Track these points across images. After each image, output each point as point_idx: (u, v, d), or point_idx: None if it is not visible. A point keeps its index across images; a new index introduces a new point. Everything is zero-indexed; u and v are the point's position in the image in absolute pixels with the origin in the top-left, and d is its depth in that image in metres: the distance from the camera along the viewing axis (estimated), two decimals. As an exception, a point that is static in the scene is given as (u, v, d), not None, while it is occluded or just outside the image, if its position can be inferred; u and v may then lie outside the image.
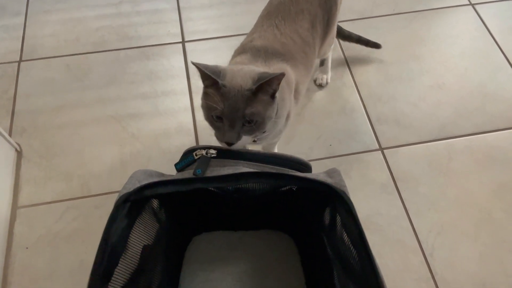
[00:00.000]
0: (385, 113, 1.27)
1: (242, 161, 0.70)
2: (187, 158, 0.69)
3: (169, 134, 1.20)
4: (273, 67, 0.85)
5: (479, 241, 1.05)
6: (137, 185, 0.55)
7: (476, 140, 1.22)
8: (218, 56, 1.36)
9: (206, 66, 0.70)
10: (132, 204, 0.54)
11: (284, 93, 0.83)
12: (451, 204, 1.10)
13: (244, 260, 0.98)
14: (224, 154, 0.70)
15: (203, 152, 0.69)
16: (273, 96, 0.72)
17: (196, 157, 0.69)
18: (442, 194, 1.12)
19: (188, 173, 0.67)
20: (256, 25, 0.97)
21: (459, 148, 1.20)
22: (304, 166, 0.73)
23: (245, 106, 0.67)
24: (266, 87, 0.69)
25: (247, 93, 0.68)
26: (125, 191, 0.54)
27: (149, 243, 0.70)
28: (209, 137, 1.19)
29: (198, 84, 1.30)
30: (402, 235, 1.05)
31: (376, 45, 1.34)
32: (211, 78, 0.69)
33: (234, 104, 0.67)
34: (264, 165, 0.70)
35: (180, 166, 0.69)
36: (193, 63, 0.69)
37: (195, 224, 0.96)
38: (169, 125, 1.22)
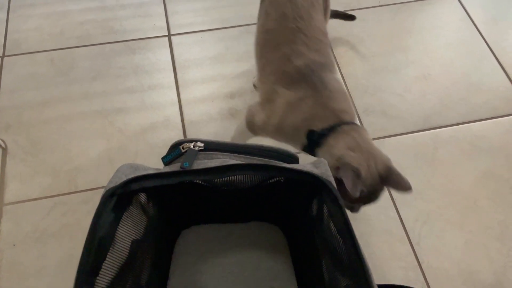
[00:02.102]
0: (372, 104, 1.28)
1: (229, 154, 0.70)
2: (174, 152, 0.69)
3: (156, 128, 1.19)
4: (330, 86, 0.80)
5: (464, 228, 1.08)
6: (124, 179, 0.55)
7: (461, 130, 1.24)
8: (205, 49, 1.36)
9: (354, 173, 0.69)
10: (118, 198, 0.54)
11: None
12: (437, 193, 1.12)
13: (233, 252, 0.98)
14: (212, 147, 0.70)
15: (190, 145, 0.69)
16: None
17: (183, 150, 0.69)
18: (428, 183, 1.14)
19: (175, 167, 0.67)
20: (277, 33, 0.86)
21: (444, 138, 1.22)
22: (292, 158, 0.73)
23: (377, 197, 0.73)
24: None
25: (378, 188, 0.72)
26: (111, 185, 0.53)
27: (138, 237, 0.70)
28: (196, 130, 1.19)
29: (184, 78, 1.29)
30: (390, 224, 1.07)
31: (351, 17, 1.34)
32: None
33: (370, 198, 0.73)
34: (252, 157, 0.70)
35: (167, 159, 0.69)
36: (346, 165, 0.70)
37: (184, 218, 0.96)
38: (156, 119, 1.21)
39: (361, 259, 0.48)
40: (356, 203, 0.77)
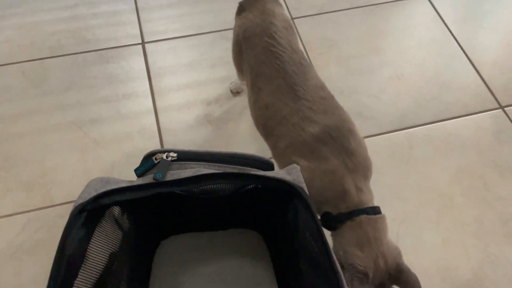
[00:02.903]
0: (348, 106, 1.29)
1: (203, 163, 0.70)
2: (147, 163, 0.68)
3: (133, 138, 1.18)
4: (352, 146, 0.77)
5: (441, 226, 1.09)
6: (93, 194, 0.54)
7: (434, 129, 1.26)
8: (178, 56, 1.35)
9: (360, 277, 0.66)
10: (89, 214, 0.53)
11: None
12: (413, 192, 1.14)
13: (214, 260, 0.98)
14: (185, 156, 0.70)
15: (163, 155, 0.69)
16: None
17: (156, 161, 0.68)
18: (404, 182, 1.16)
19: (148, 178, 0.66)
20: (277, 107, 0.83)
21: (419, 137, 1.24)
22: (266, 164, 0.73)
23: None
24: None
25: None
26: (80, 201, 0.53)
27: (114, 251, 0.69)
28: (173, 138, 1.18)
29: (160, 86, 1.28)
30: (368, 225, 1.08)
31: None
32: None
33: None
34: (226, 165, 0.70)
35: (140, 171, 0.68)
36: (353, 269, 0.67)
37: (162, 228, 0.95)
38: (132, 128, 1.20)
39: (333, 265, 0.48)
40: None
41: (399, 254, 0.72)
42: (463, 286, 1.02)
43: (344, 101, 1.29)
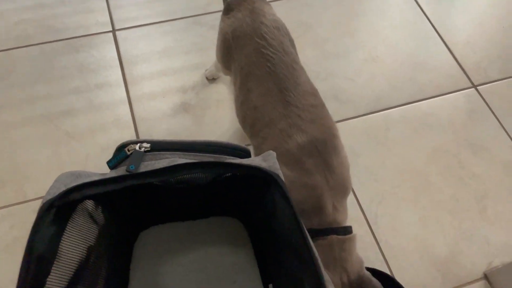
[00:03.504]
0: (324, 90, 1.29)
1: (178, 153, 0.68)
2: (119, 155, 0.67)
3: (107, 129, 1.15)
4: (334, 164, 0.76)
5: (418, 205, 1.11)
6: (62, 189, 0.52)
7: (410, 110, 1.27)
8: (151, 43, 1.32)
9: None
10: (59, 210, 0.51)
11: None
12: (390, 173, 1.15)
13: (195, 250, 0.97)
14: (159, 147, 0.68)
15: (136, 146, 0.67)
16: None
17: (128, 153, 0.66)
18: (381, 164, 1.17)
19: (121, 170, 0.64)
20: (266, 110, 0.81)
21: (395, 118, 1.25)
22: (242, 152, 0.72)
23: None
24: None
25: None
26: (48, 197, 0.51)
27: (89, 246, 0.68)
28: (149, 128, 1.16)
29: (133, 74, 1.25)
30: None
31: None
32: None
33: None
34: (202, 154, 0.69)
35: (113, 163, 0.67)
36: None
37: (140, 219, 0.94)
38: (106, 119, 1.17)
39: (310, 252, 0.48)
40: None
41: (361, 267, 0.75)
42: (439, 262, 1.04)
43: (321, 85, 1.29)
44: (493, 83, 1.36)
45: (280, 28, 0.90)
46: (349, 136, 1.20)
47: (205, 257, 0.97)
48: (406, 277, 1.02)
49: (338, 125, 1.22)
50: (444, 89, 1.33)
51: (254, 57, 0.85)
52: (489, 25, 1.50)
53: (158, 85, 1.24)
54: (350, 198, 1.10)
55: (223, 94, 1.23)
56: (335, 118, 1.23)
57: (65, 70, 1.25)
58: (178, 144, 0.69)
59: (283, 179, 0.56)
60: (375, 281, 0.71)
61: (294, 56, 0.88)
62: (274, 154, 0.62)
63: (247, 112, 0.86)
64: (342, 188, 0.77)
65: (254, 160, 0.61)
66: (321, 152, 0.76)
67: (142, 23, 1.37)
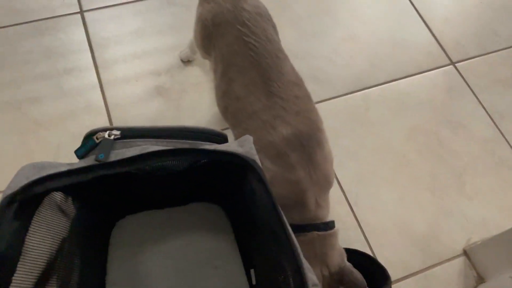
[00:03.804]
0: (303, 70, 1.25)
1: (151, 139, 0.65)
2: (88, 143, 0.63)
3: (78, 116, 1.10)
4: (318, 159, 0.74)
5: (397, 183, 1.12)
6: (24, 182, 0.49)
7: (389, 88, 1.26)
8: (122, 24, 1.26)
9: None
10: (21, 204, 0.48)
11: None
12: (370, 153, 1.15)
13: (174, 237, 0.95)
14: (130, 133, 0.65)
15: (105, 134, 0.63)
16: None
17: (97, 141, 0.63)
18: (361, 144, 1.16)
19: (90, 160, 0.61)
20: (249, 101, 0.79)
21: (374, 97, 1.24)
22: (219, 137, 0.70)
23: None
24: None
25: None
26: (9, 191, 0.47)
27: (60, 240, 0.65)
28: (123, 113, 1.11)
29: (104, 57, 1.20)
30: (328, 188, 1.08)
31: None
32: None
33: None
34: (176, 140, 0.66)
35: (81, 152, 0.63)
36: None
37: (116, 209, 0.91)
38: (77, 105, 1.12)
39: (288, 237, 0.46)
40: None
41: (342, 259, 0.75)
42: (419, 240, 1.05)
43: (299, 65, 1.25)
44: (471, 60, 1.36)
45: (263, 14, 0.86)
46: (329, 116, 1.19)
47: (185, 244, 0.95)
48: (387, 255, 1.02)
49: (318, 106, 1.19)
50: (423, 67, 1.32)
51: (236, 45, 0.82)
52: (468, 1, 1.49)
53: (130, 69, 1.19)
54: (331, 179, 1.09)
55: (200, 76, 1.20)
56: (314, 99, 1.20)
57: (30, 55, 1.18)
58: (151, 130, 0.66)
59: (260, 165, 0.54)
60: (355, 272, 0.71)
61: (278, 43, 0.86)
62: (251, 138, 0.60)
63: (229, 102, 0.83)
64: (325, 183, 0.76)
65: (230, 146, 0.58)
66: (305, 147, 0.74)
67: (112, 3, 1.30)
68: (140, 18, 1.28)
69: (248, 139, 0.59)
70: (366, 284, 0.72)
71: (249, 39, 0.81)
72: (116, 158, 0.60)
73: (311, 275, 0.45)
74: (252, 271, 0.91)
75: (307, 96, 0.82)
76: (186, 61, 1.21)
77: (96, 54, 1.21)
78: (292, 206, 0.75)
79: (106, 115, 1.11)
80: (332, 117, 1.19)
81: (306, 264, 0.46)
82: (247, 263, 0.93)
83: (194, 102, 1.16)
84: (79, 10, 1.28)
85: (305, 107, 0.79)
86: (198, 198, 0.99)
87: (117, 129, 0.64)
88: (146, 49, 1.23)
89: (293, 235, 0.48)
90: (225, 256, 0.95)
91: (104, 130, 0.64)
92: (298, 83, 0.82)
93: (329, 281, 0.73)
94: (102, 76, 1.17)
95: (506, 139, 1.23)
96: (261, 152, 0.76)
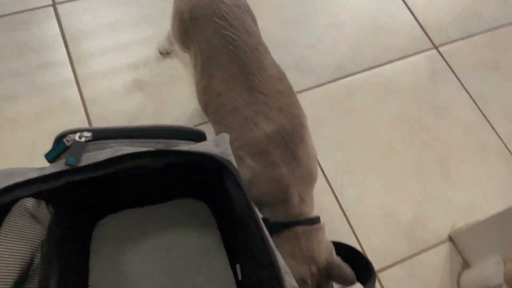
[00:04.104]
0: (285, 59, 1.24)
1: (124, 140, 0.63)
2: (58, 146, 0.61)
3: (55, 113, 1.07)
4: (301, 156, 0.73)
5: (383, 172, 1.11)
6: (-11, 192, 0.46)
7: (372, 75, 1.25)
8: (97, 16, 1.21)
9: None
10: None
11: None
12: (355, 141, 1.14)
13: (157, 235, 0.93)
14: (102, 135, 0.63)
15: (76, 136, 0.61)
16: None
17: (67, 144, 0.60)
18: (345, 132, 1.15)
19: (61, 164, 0.59)
20: (230, 97, 0.76)
21: (357, 85, 1.22)
22: (195, 134, 0.68)
23: None
24: None
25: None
26: (-29, 203, 0.45)
27: (35, 246, 0.63)
28: (100, 109, 1.08)
29: (79, 52, 1.16)
30: (313, 179, 1.07)
31: None
32: None
33: None
34: (150, 140, 0.64)
35: (52, 156, 0.61)
36: None
37: (96, 209, 0.89)
38: (53, 102, 1.08)
39: (265, 241, 0.45)
40: None
41: (330, 253, 0.74)
42: (405, 227, 1.05)
43: (281, 54, 1.24)
44: (454, 43, 1.35)
45: (241, 6, 0.83)
46: (312, 105, 1.17)
47: (169, 241, 0.93)
48: (373, 244, 1.02)
49: (301, 95, 1.18)
50: (406, 52, 1.31)
51: (214, 40, 0.79)
52: (449, -17, 1.47)
53: (107, 62, 1.15)
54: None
55: (179, 68, 1.17)
56: (296, 88, 1.18)
57: (3, 51, 1.14)
58: (124, 130, 0.63)
59: (235, 165, 0.52)
60: (344, 266, 0.71)
61: (258, 36, 0.83)
62: (227, 137, 0.58)
63: (210, 98, 0.81)
64: (308, 179, 0.75)
65: (205, 145, 0.56)
66: (288, 143, 0.73)
67: (86, -6, 1.26)
68: (116, 9, 1.24)
69: (225, 138, 0.57)
70: (355, 277, 0.71)
71: (228, 32, 0.78)
72: (88, 161, 0.58)
73: (290, 279, 0.44)
74: (237, 266, 0.90)
75: (289, 89, 0.80)
76: (165, 53, 1.18)
77: (71, 49, 1.17)
78: (276, 204, 0.74)
79: (83, 111, 1.08)
80: (315, 106, 1.17)
81: (285, 268, 0.45)
82: (233, 259, 0.92)
83: (174, 95, 1.13)
84: (51, 3, 1.23)
85: (288, 102, 0.77)
86: (181, 194, 0.97)
87: (88, 130, 0.62)
88: (123, 41, 1.19)
89: (270, 241, 0.47)
90: (211, 252, 0.93)
91: (75, 132, 0.62)
92: (280, 77, 0.80)
93: (318, 278, 0.72)
94: (78, 71, 1.13)
95: (490, 123, 1.23)
96: (242, 149, 0.75)
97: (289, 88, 0.80)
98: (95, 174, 0.55)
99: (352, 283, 0.70)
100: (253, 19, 0.86)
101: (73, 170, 0.54)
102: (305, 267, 0.70)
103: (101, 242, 0.91)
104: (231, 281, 0.91)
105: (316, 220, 0.75)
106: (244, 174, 0.76)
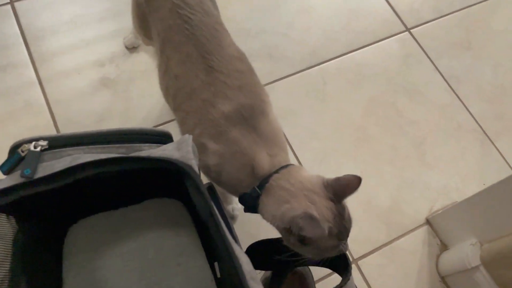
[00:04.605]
0: (256, 48, 1.21)
1: (83, 147, 0.60)
2: (13, 157, 0.58)
3: (17, 117, 1.03)
4: (266, 130, 0.71)
5: (359, 159, 1.10)
6: None
7: (345, 61, 1.23)
8: (58, 12, 1.16)
9: (310, 229, 0.61)
10: None
11: None
12: (330, 129, 1.13)
13: (132, 238, 0.91)
14: (59, 143, 0.60)
15: (31, 146, 0.58)
16: None
17: (22, 154, 0.57)
18: (321, 120, 1.14)
19: (16, 176, 0.56)
20: (188, 79, 0.73)
21: (331, 71, 1.21)
22: (162, 136, 0.65)
23: (349, 221, 0.71)
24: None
25: (341, 211, 0.67)
26: None
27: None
28: (66, 110, 1.04)
29: (41, 51, 1.11)
30: (289, 170, 1.06)
31: None
32: None
33: (345, 229, 0.69)
34: (111, 145, 0.61)
35: (7, 167, 0.58)
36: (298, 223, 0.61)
37: (65, 214, 0.86)
38: (15, 105, 1.04)
39: (228, 249, 0.44)
40: (339, 242, 0.67)
41: (321, 178, 0.69)
42: (383, 213, 1.05)
43: (252, 43, 1.21)
44: (426, 24, 1.34)
45: None
46: (287, 95, 1.15)
47: (145, 243, 0.91)
48: (352, 233, 1.01)
49: (274, 85, 1.16)
50: (379, 35, 1.29)
51: (170, 19, 0.75)
52: (419, -37, 1.45)
53: (71, 61, 1.11)
54: (292, 159, 1.07)
55: (147, 63, 1.13)
56: (269, 78, 1.17)
57: (-42, 53, 1.08)
58: (82, 137, 0.60)
59: (197, 170, 0.50)
60: (343, 176, 0.68)
61: (217, 17, 0.80)
62: (190, 139, 0.56)
63: (169, 82, 0.77)
64: (274, 140, 0.72)
65: (166, 149, 0.54)
66: (248, 118, 0.70)
67: (45, -11, 1.20)
68: (77, 5, 1.18)
69: (187, 140, 0.55)
70: (357, 176, 0.67)
71: (184, 12, 0.75)
72: (44, 172, 0.55)
73: (256, 285, 0.43)
74: (216, 264, 0.89)
75: (249, 70, 0.77)
76: (131, 48, 1.14)
77: (32, 48, 1.11)
78: (249, 176, 0.71)
79: (48, 113, 1.04)
80: (289, 96, 1.15)
81: (250, 274, 0.44)
82: (211, 256, 0.90)
83: (143, 91, 1.09)
84: (8, 1, 1.17)
85: (248, 81, 0.74)
86: (155, 194, 0.95)
87: (44, 138, 0.59)
88: (87, 38, 1.14)
89: (235, 248, 0.45)
90: (188, 251, 0.92)
91: (29, 141, 0.58)
92: (239, 57, 0.77)
93: (327, 204, 0.66)
94: (40, 71, 1.08)
95: (463, 104, 1.23)
96: (204, 135, 0.72)
97: (250, 68, 0.77)
98: (51, 186, 0.53)
99: (358, 182, 0.67)
100: (213, 2, 0.83)
101: (27, 184, 0.51)
102: (303, 202, 0.64)
103: (73, 249, 0.88)
104: (210, 279, 0.89)
105: (290, 164, 0.72)
106: (211, 160, 0.73)
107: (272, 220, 0.69)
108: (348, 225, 0.70)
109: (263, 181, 0.68)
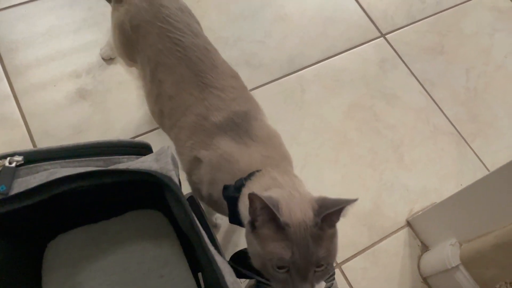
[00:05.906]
0: (234, 56, 1.21)
1: (60, 161, 0.59)
2: (-13, 174, 0.56)
3: (-8, 131, 1.00)
4: (259, 133, 0.70)
5: (339, 163, 1.12)
6: None
7: (323, 67, 1.25)
8: (32, 24, 1.14)
9: (267, 198, 0.52)
10: None
11: None
12: (310, 135, 1.14)
13: (113, 250, 0.90)
14: (35, 157, 0.59)
15: (6, 161, 0.57)
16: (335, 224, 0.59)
17: (-3, 171, 0.56)
18: (301, 127, 1.15)
19: (-9, 192, 0.54)
20: (182, 98, 0.74)
21: (309, 78, 1.22)
22: (141, 148, 0.64)
23: (317, 248, 0.55)
24: (331, 216, 0.58)
25: (315, 230, 0.55)
26: None
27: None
28: (43, 123, 1.02)
29: (15, 63, 1.09)
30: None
31: None
32: (269, 214, 0.52)
33: (305, 248, 0.54)
34: (88, 159, 0.60)
35: (-19, 185, 0.56)
36: (251, 195, 0.51)
37: (43, 229, 0.84)
38: (-11, 120, 1.01)
39: (210, 260, 0.43)
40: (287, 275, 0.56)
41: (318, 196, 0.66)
42: (364, 217, 1.07)
43: (230, 52, 1.22)
44: (400, 30, 1.37)
45: (183, 9, 0.81)
46: (266, 102, 1.14)
47: (127, 256, 0.90)
48: (335, 237, 1.02)
49: (252, 93, 1.15)
50: (354, 42, 1.32)
51: (159, 43, 0.76)
52: (392, -30, 1.49)
53: (46, 73, 1.09)
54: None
55: (124, 74, 1.12)
56: (248, 85, 1.15)
57: None
58: (59, 151, 0.60)
59: (176, 181, 0.50)
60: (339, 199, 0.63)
61: (205, 38, 0.81)
62: (169, 150, 0.56)
63: (164, 105, 0.78)
64: (268, 141, 0.72)
65: (145, 161, 0.54)
66: (240, 124, 0.71)
67: (18, 1, 1.18)
68: (52, 16, 1.17)
69: (165, 152, 0.55)
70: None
71: (174, 35, 0.76)
72: (20, 188, 0.54)
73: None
74: (200, 274, 0.88)
75: (243, 87, 0.79)
76: (108, 59, 1.13)
77: (5, 61, 1.09)
78: (239, 176, 0.68)
79: (24, 127, 1.02)
80: (269, 103, 1.15)
81: (231, 277, 0.44)
82: (194, 267, 0.90)
83: (121, 102, 1.08)
84: (-21, 12, 1.15)
85: (242, 95, 0.76)
86: (135, 206, 0.93)
87: (19, 154, 0.58)
88: (62, 49, 1.13)
89: (217, 259, 0.45)
90: (171, 263, 0.91)
91: (4, 156, 0.57)
92: (234, 75, 0.78)
93: (308, 220, 0.57)
94: (14, 84, 1.06)
95: (439, 106, 1.26)
96: (196, 147, 0.72)
97: (243, 86, 0.79)
98: (27, 203, 0.51)
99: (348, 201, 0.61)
100: (198, 23, 0.84)
101: (2, 201, 0.50)
102: (285, 193, 0.60)
103: (53, 265, 0.86)
104: (194, 290, 0.89)
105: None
106: (204, 172, 0.73)
107: (244, 212, 0.65)
108: (313, 257, 0.55)
109: (251, 174, 0.67)
